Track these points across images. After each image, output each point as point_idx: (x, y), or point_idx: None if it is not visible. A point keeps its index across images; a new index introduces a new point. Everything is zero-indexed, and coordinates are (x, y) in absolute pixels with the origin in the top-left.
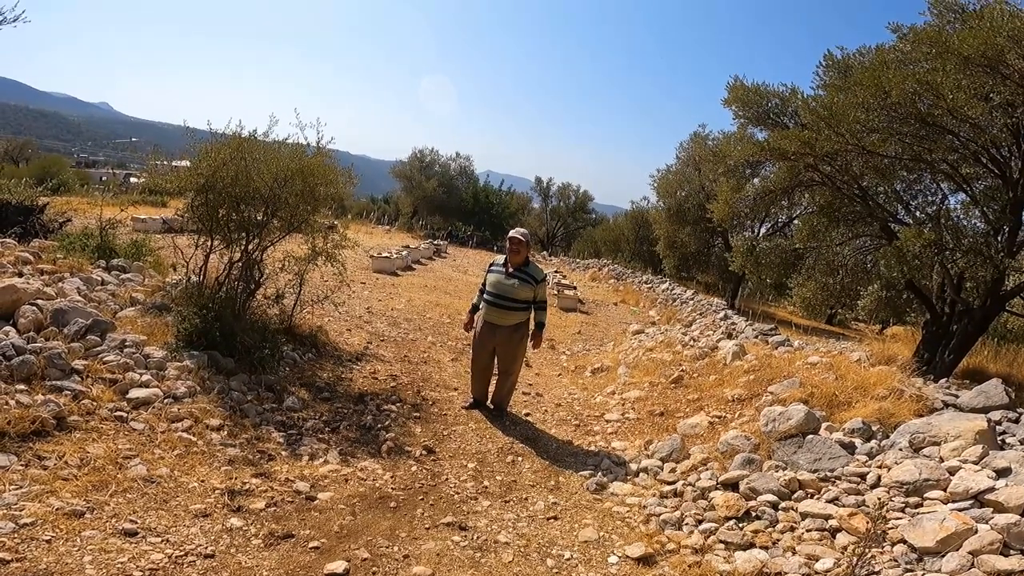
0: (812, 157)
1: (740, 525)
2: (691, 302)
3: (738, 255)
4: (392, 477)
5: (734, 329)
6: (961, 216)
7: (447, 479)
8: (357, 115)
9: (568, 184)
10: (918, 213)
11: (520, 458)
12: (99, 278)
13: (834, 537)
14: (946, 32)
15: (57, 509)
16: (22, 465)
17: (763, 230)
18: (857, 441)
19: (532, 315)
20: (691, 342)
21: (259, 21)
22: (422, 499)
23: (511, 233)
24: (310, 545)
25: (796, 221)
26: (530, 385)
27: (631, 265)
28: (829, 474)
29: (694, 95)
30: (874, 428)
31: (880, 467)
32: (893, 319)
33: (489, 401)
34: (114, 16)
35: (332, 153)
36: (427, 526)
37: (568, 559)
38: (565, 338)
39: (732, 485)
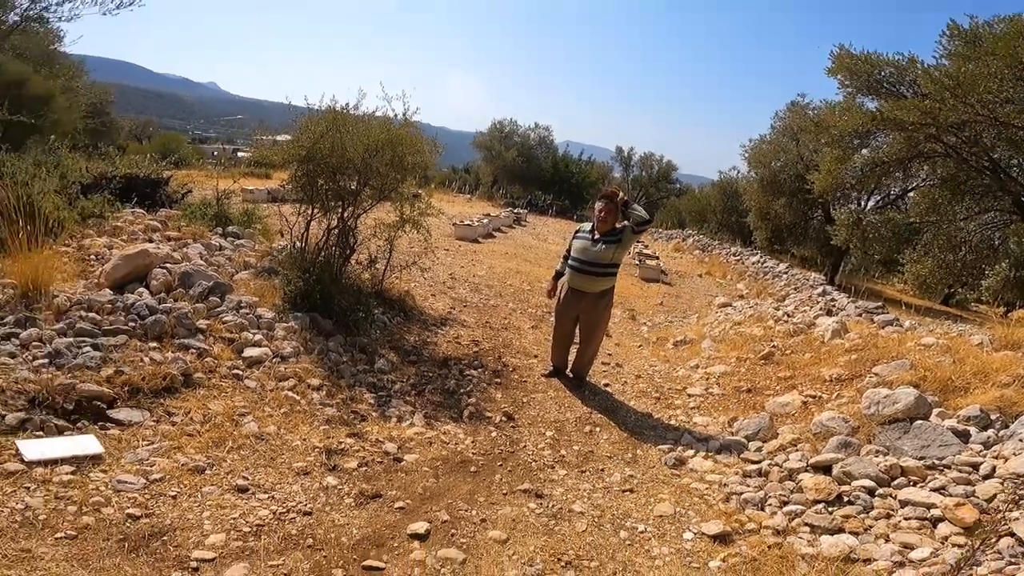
0: (935, 127)
1: (829, 509)
2: (785, 276)
3: (842, 228)
4: (473, 442)
5: (834, 305)
6: None
7: (525, 446)
8: (436, 90)
9: (651, 153)
10: None
11: (598, 428)
12: (217, 244)
13: (935, 527)
14: None
15: (182, 465)
16: (154, 421)
17: (871, 203)
18: (972, 429)
19: (615, 281)
20: (785, 317)
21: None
22: (500, 465)
23: (600, 195)
24: (396, 505)
25: (912, 194)
26: (610, 355)
27: (718, 236)
28: (937, 462)
29: (785, 68)
30: (993, 417)
31: (996, 457)
32: (1021, 301)
33: (569, 370)
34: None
35: (417, 124)
36: (504, 492)
37: (642, 532)
38: (646, 309)
39: (824, 468)
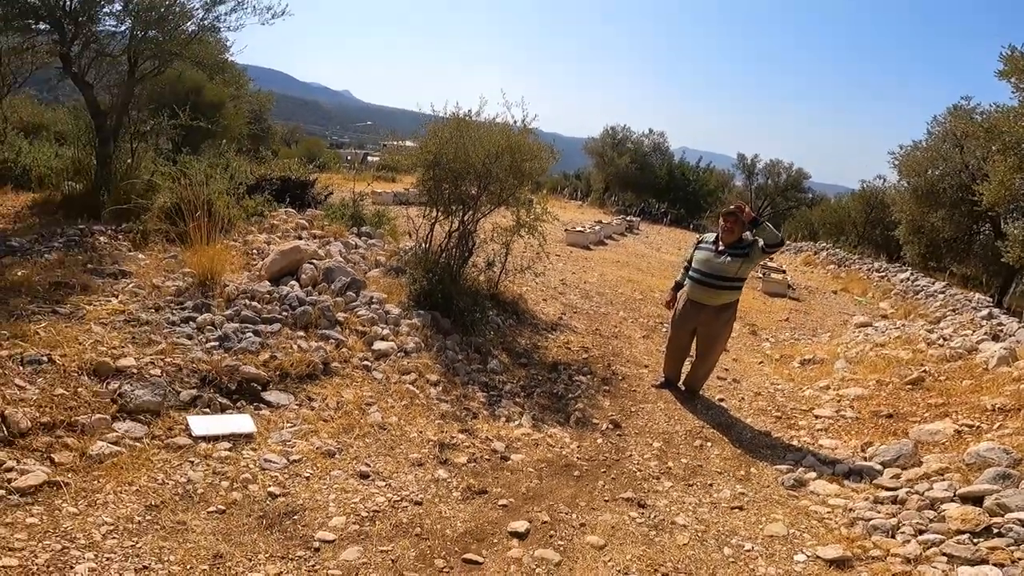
0: None
1: (975, 540)
2: (940, 296)
3: (1016, 244)
4: (578, 447)
5: (1001, 330)
6: None
7: (631, 455)
8: (550, 93)
9: (778, 160)
10: None
11: (709, 443)
12: (353, 243)
13: None
14: None
15: (317, 448)
16: (297, 404)
17: None
18: None
19: (739, 296)
20: (939, 341)
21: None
22: (604, 472)
23: (725, 209)
24: (499, 503)
25: None
26: (726, 370)
27: (857, 250)
28: None
29: (932, 71)
30: None
31: None
32: None
33: (681, 382)
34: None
35: (534, 130)
36: (606, 498)
37: (748, 550)
38: (769, 324)
39: (974, 499)
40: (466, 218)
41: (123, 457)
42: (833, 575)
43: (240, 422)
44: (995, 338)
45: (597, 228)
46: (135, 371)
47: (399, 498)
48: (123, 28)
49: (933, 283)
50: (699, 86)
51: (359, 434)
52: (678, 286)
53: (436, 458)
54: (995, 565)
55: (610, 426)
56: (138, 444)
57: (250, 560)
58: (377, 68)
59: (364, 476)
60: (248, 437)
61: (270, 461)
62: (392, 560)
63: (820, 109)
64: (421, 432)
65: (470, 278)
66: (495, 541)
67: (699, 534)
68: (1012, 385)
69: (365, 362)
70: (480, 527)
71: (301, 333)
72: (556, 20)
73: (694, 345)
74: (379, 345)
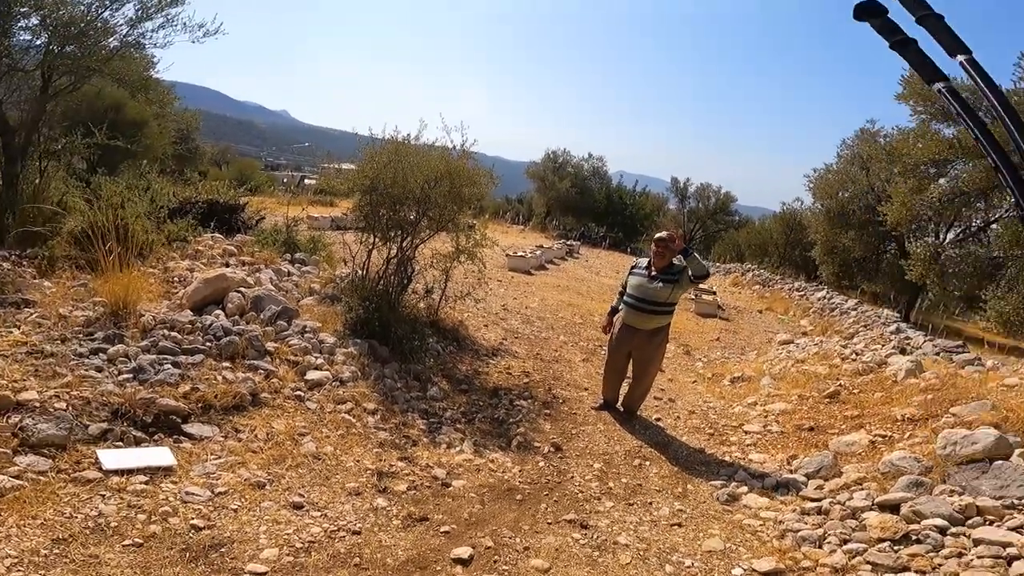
0: (1019, 155)
1: (895, 548)
2: (853, 313)
3: (918, 263)
4: (520, 471)
5: (908, 344)
6: None
7: (572, 477)
8: (493, 117)
9: (708, 184)
10: None
11: (648, 462)
12: (286, 270)
13: (1009, 565)
14: None
15: (245, 480)
16: (222, 436)
17: (950, 235)
18: None
19: (671, 319)
20: (853, 356)
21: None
22: (547, 495)
23: (658, 235)
24: (441, 529)
25: (995, 226)
26: (662, 390)
27: (779, 271)
28: (1017, 502)
29: (850, 95)
30: None
31: None
32: None
33: (620, 403)
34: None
35: (474, 155)
36: (549, 521)
37: (688, 566)
38: (701, 344)
39: (891, 507)
40: (405, 244)
41: (26, 491)
42: None
43: (157, 455)
44: (903, 351)
45: (538, 253)
46: (37, 404)
47: (336, 528)
48: (39, 42)
49: (846, 301)
50: (634, 111)
51: (291, 465)
52: (614, 310)
53: (375, 487)
54: (917, 572)
55: (551, 449)
56: (42, 478)
57: None
58: (317, 88)
59: (298, 507)
60: (167, 470)
61: (192, 494)
62: None
63: (746, 133)
64: (358, 461)
65: (409, 305)
66: (438, 569)
67: (641, 553)
68: (919, 396)
69: (298, 392)
70: (422, 555)
71: (227, 364)
72: (498, 45)
73: (631, 367)
74: (313, 375)
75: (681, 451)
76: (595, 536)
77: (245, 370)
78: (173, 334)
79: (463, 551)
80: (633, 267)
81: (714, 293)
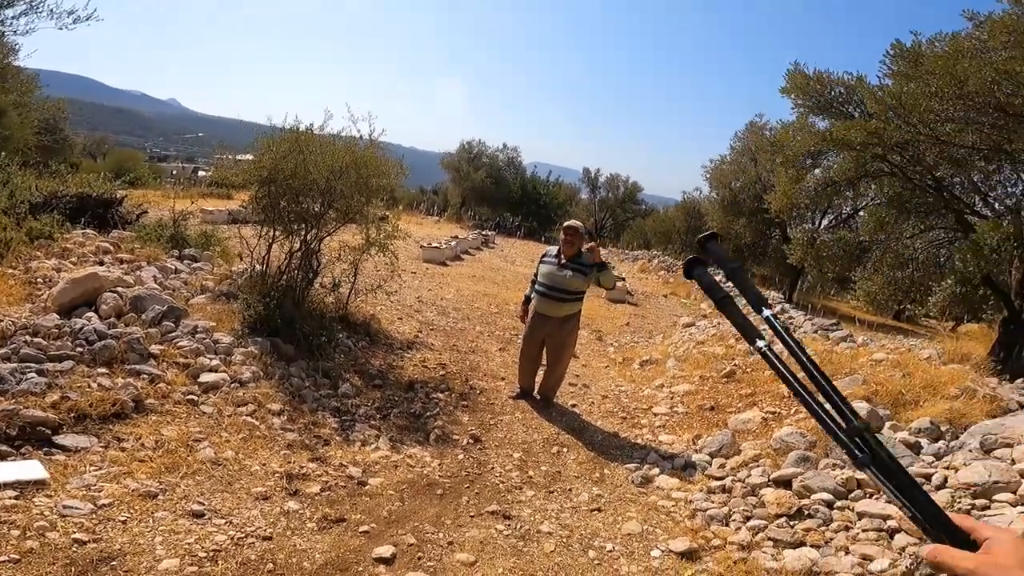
0: (880, 147)
1: (791, 523)
2: None
3: (797, 247)
4: (439, 465)
5: (791, 323)
6: None
7: (492, 468)
8: (406, 109)
9: (617, 175)
10: (997, 205)
11: (565, 449)
12: (173, 267)
13: (892, 538)
14: None
15: (133, 490)
16: (102, 447)
17: (824, 222)
18: (924, 441)
19: (581, 306)
20: None
21: (311, 19)
22: (468, 487)
23: (567, 223)
24: (360, 529)
25: (862, 213)
26: (577, 376)
27: (682, 257)
28: None
29: (748, 87)
30: (943, 428)
31: (947, 468)
32: (968, 316)
33: (536, 391)
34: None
35: (383, 145)
36: (472, 514)
37: (610, 551)
38: (613, 330)
39: (784, 482)
40: (309, 237)
41: None
42: (686, 567)
43: (27, 468)
44: (787, 330)
45: (453, 243)
46: None
47: (243, 535)
48: None
49: None
50: (548, 101)
51: (187, 472)
52: (527, 299)
53: (284, 490)
54: (812, 547)
55: (471, 441)
56: None
57: None
58: (213, 75)
59: (198, 515)
60: (40, 483)
61: (71, 507)
62: None
63: (653, 124)
64: (264, 464)
65: (316, 300)
66: (360, 570)
67: (564, 540)
68: (802, 372)
69: (190, 396)
70: (341, 557)
71: (103, 370)
72: (412, 32)
73: (545, 355)
74: (207, 377)
75: (597, 436)
76: (518, 526)
77: (126, 375)
78: (37, 340)
79: (385, 550)
80: (544, 256)
81: (624, 279)
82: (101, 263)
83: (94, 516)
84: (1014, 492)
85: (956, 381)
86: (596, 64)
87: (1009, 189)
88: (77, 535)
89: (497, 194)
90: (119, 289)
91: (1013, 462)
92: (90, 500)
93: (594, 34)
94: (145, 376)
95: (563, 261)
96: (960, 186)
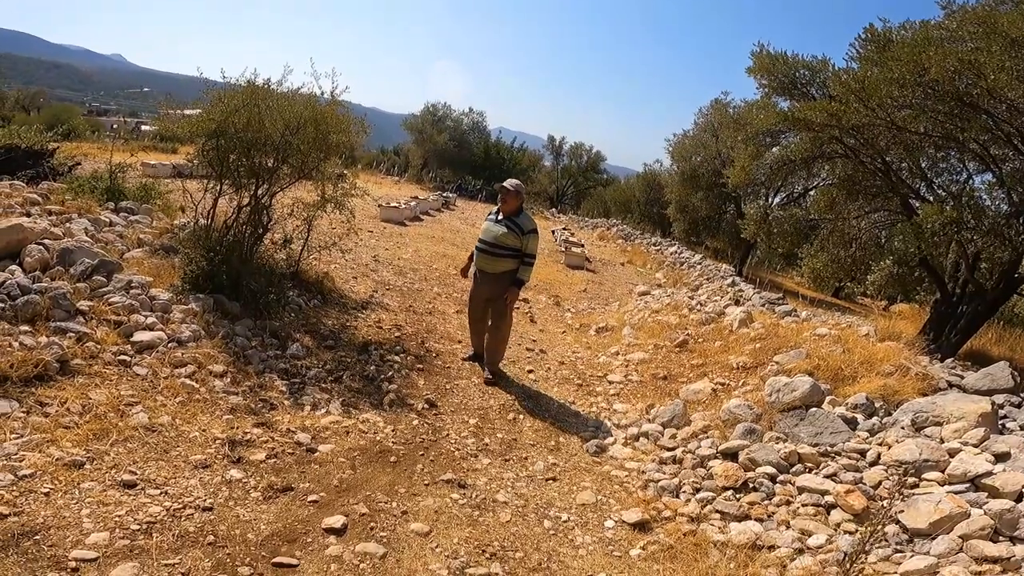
0: (838, 129)
1: (737, 496)
2: (699, 266)
3: (751, 222)
4: (393, 431)
5: (741, 296)
6: (984, 196)
7: (448, 435)
8: (372, 70)
9: (581, 144)
10: (940, 191)
11: (521, 416)
12: (107, 219)
13: (829, 513)
14: (996, 12)
15: (57, 459)
16: (23, 412)
17: (777, 199)
18: (859, 417)
19: (518, 265)
20: (698, 306)
21: None
22: (422, 454)
23: (503, 183)
24: (309, 499)
25: (813, 192)
26: (534, 341)
27: (640, 226)
28: (829, 449)
29: (716, 64)
30: (877, 405)
31: (881, 444)
32: (901, 296)
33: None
34: None
35: (346, 103)
36: (426, 482)
37: (565, 521)
38: (570, 295)
39: (732, 455)
40: (260, 191)
41: None
42: (638, 538)
43: None
44: (737, 303)
45: (413, 204)
46: None
47: (180, 506)
48: None
49: (694, 255)
50: (517, 68)
51: (117, 439)
52: (471, 257)
53: (227, 457)
54: (756, 520)
55: (426, 406)
56: None
57: None
58: (161, 30)
59: (130, 485)
60: None
61: None
62: (182, 573)
63: (619, 95)
64: (204, 431)
65: (265, 256)
66: (309, 540)
67: (520, 509)
68: (750, 344)
69: (122, 357)
70: (289, 527)
71: (25, 328)
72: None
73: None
74: (141, 336)
75: (552, 403)
76: (474, 495)
77: (50, 334)
78: None
79: (335, 520)
80: (488, 215)
81: (582, 246)
82: (27, 214)
83: (14, 488)
84: (942, 471)
85: (891, 358)
86: (566, 37)
87: (954, 176)
88: None
89: (460, 157)
90: (46, 241)
91: (942, 440)
92: (10, 470)
93: (565, 15)
94: (72, 334)
95: (500, 218)
96: (908, 171)
